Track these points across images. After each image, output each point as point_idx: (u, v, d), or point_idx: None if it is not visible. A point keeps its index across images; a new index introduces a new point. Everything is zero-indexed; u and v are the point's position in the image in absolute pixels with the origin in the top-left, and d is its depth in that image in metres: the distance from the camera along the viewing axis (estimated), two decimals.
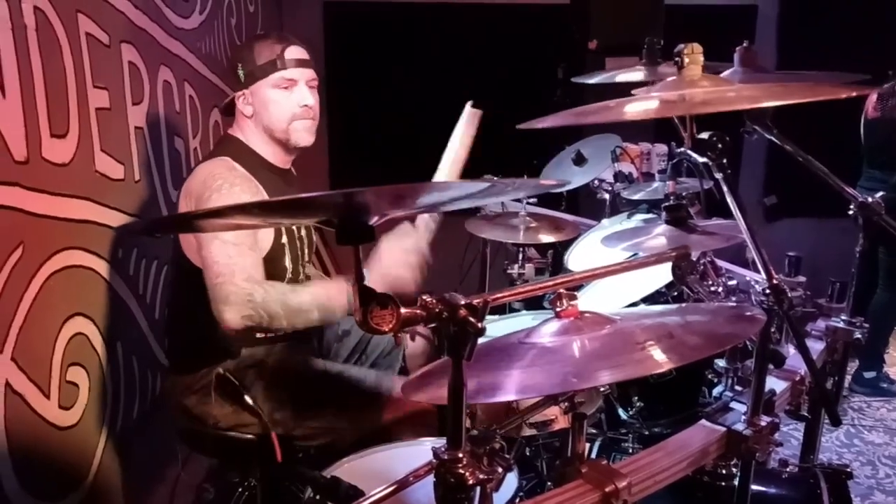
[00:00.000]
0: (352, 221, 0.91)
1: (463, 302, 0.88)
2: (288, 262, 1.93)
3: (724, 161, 1.16)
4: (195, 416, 1.91)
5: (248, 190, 1.82)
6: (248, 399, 1.85)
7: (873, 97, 3.56)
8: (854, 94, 1.07)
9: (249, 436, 1.89)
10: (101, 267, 2.03)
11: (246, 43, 1.95)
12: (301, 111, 1.90)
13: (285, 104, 1.89)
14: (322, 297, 1.74)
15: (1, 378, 1.60)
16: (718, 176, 1.18)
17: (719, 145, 1.16)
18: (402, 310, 0.89)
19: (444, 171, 1.94)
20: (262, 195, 1.86)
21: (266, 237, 1.86)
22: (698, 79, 1.16)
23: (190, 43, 2.74)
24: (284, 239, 1.92)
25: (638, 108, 1.13)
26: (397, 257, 1.80)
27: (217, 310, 1.67)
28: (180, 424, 1.98)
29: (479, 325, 0.88)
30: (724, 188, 1.17)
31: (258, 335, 1.91)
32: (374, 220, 0.93)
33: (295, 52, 1.89)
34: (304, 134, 1.93)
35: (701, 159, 1.18)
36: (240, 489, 1.95)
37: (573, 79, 2.72)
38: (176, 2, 2.61)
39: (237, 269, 1.69)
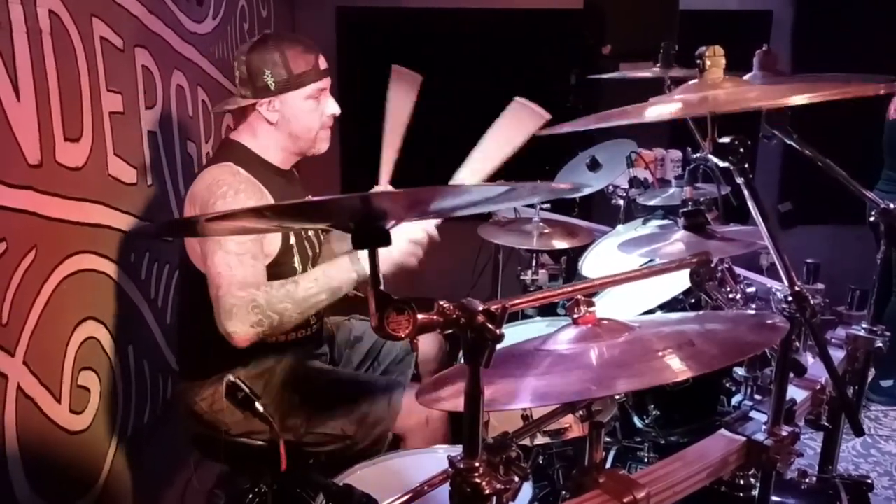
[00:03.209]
0: (368, 225, 0.89)
1: (481, 308, 0.87)
2: (297, 263, 1.92)
3: (746, 165, 1.14)
4: (206, 423, 1.90)
5: (252, 195, 1.81)
6: (259, 407, 1.83)
7: None
8: (882, 91, 1.04)
9: (260, 443, 1.88)
10: (114, 271, 2.02)
11: (272, 48, 1.84)
12: (328, 120, 1.93)
13: (315, 114, 1.90)
14: (325, 280, 1.74)
15: (13, 381, 1.60)
16: (740, 180, 1.15)
17: (741, 149, 1.14)
18: (419, 315, 0.87)
19: (470, 169, 1.89)
20: (268, 198, 1.85)
21: (274, 241, 1.85)
22: (720, 81, 1.14)
23: (203, 47, 2.75)
24: (293, 240, 1.91)
25: (661, 110, 1.11)
26: (403, 246, 1.80)
27: (222, 326, 1.66)
28: (192, 430, 1.97)
29: (498, 331, 0.86)
30: (746, 193, 1.15)
31: (270, 340, 1.91)
32: (390, 224, 0.92)
33: (323, 61, 1.91)
34: (325, 143, 1.97)
35: (722, 164, 1.16)
36: (250, 495, 1.94)
37: (589, 76, 2.69)
38: (190, 7, 2.62)
39: (235, 280, 1.68)
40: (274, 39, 1.87)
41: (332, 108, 1.93)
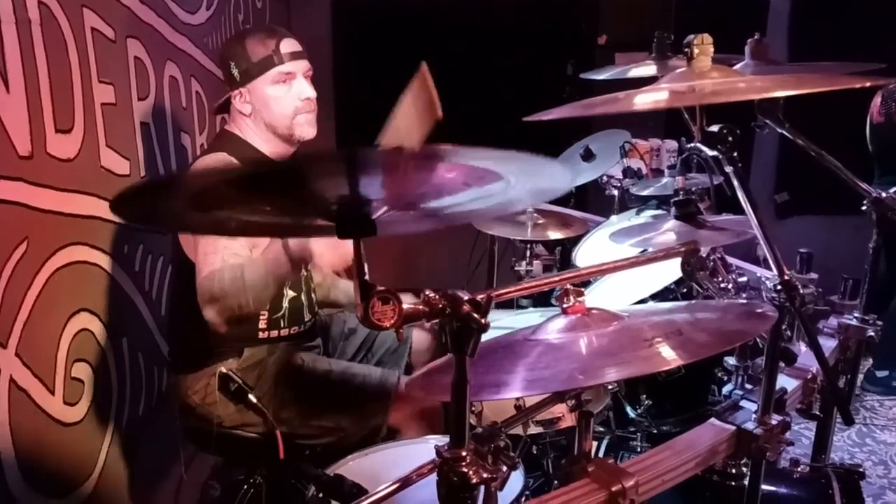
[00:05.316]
0: (353, 213, 0.88)
1: (466, 298, 0.87)
2: None
3: (735, 154, 1.14)
4: (199, 416, 1.90)
5: None
6: (252, 398, 1.84)
7: (877, 100, 3.45)
8: (868, 84, 1.04)
9: (254, 435, 1.88)
10: (107, 263, 2.02)
11: (235, 39, 1.91)
12: (303, 104, 1.89)
13: (286, 99, 1.87)
14: (270, 264, 1.66)
15: (5, 373, 1.60)
16: (729, 169, 1.15)
17: (730, 138, 1.13)
18: (404, 305, 0.87)
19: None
20: None
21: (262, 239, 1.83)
22: (708, 70, 1.14)
23: (197, 38, 2.73)
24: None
25: (647, 99, 1.11)
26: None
27: (204, 313, 1.65)
28: (185, 423, 1.98)
29: (483, 321, 0.86)
30: (735, 182, 1.15)
31: (262, 336, 1.90)
32: (376, 213, 0.91)
33: (289, 44, 1.87)
34: (307, 127, 1.93)
35: (711, 153, 1.15)
36: (245, 486, 1.94)
37: (581, 75, 2.70)
38: None
39: (208, 264, 1.65)
40: (241, 32, 1.91)
41: (305, 91, 1.89)
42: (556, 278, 1.09)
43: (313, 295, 2.09)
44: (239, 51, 1.85)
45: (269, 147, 1.93)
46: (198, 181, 0.91)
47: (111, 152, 2.04)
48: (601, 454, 1.90)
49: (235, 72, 1.85)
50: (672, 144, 3.20)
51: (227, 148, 1.88)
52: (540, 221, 2.45)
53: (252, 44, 1.84)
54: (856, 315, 1.64)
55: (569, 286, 1.12)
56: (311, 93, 1.90)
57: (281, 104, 1.87)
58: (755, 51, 1.92)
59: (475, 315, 0.86)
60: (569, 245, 2.69)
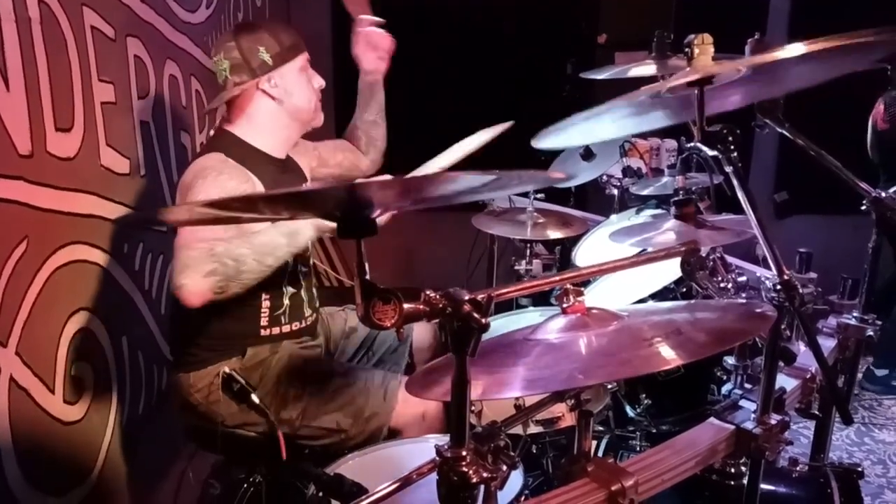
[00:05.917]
0: (354, 215, 0.89)
1: (467, 297, 0.87)
2: None
3: (735, 154, 1.14)
4: (201, 414, 1.90)
5: (236, 177, 1.80)
6: (255, 398, 1.83)
7: (880, 107, 3.43)
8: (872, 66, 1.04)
9: (255, 434, 1.88)
10: (107, 261, 2.02)
11: (253, 29, 1.89)
12: (318, 93, 1.99)
13: (308, 87, 1.95)
14: (282, 224, 1.68)
15: (5, 372, 1.60)
16: (729, 169, 1.15)
17: (730, 138, 1.14)
18: (405, 305, 0.87)
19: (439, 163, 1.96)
20: (256, 185, 1.84)
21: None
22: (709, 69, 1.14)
23: (196, 37, 2.73)
24: None
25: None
26: None
27: (175, 280, 1.60)
28: (187, 422, 1.97)
29: (483, 320, 0.86)
30: (735, 181, 1.15)
31: (265, 333, 1.90)
32: (376, 214, 0.91)
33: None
34: (321, 115, 2.02)
35: (711, 152, 1.15)
36: (245, 485, 1.94)
37: (581, 74, 2.69)
38: None
39: (198, 236, 1.62)
40: (256, 22, 1.92)
41: (320, 80, 1.99)
42: (556, 278, 1.09)
43: (314, 290, 2.09)
44: (266, 36, 1.86)
45: (283, 135, 1.96)
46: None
47: (111, 151, 2.05)
48: (601, 453, 1.90)
49: (266, 56, 1.84)
50: (672, 144, 3.20)
51: (222, 147, 1.87)
52: (540, 221, 2.45)
53: (275, 31, 1.89)
54: (855, 314, 1.64)
55: (568, 286, 1.12)
56: (323, 82, 2.00)
57: (307, 91, 1.95)
58: (756, 50, 1.92)
59: (476, 315, 0.86)
60: (568, 244, 2.69)
